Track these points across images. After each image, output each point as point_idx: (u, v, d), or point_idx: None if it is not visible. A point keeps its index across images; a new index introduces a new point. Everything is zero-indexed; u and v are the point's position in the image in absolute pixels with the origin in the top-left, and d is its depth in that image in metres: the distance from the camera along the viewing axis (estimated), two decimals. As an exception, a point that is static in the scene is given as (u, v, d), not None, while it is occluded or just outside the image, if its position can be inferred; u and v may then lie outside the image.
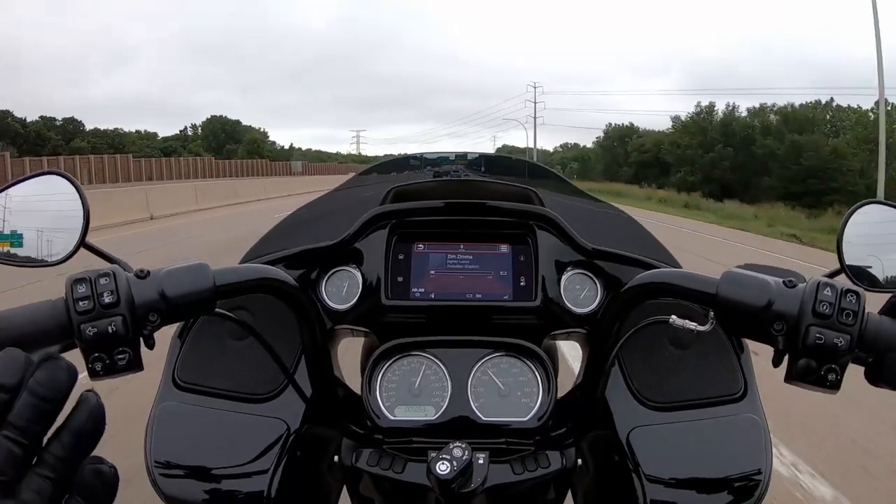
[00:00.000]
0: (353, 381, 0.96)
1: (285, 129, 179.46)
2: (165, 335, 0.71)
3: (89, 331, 0.60)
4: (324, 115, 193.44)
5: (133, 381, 0.72)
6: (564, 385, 0.87)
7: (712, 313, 0.66)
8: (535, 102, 70.70)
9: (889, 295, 0.64)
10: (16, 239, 0.71)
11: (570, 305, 0.88)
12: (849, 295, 0.60)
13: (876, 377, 0.62)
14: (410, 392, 0.80)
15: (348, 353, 1.01)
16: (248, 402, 0.81)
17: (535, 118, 71.70)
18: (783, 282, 0.63)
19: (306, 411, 0.81)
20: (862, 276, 0.68)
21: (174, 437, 0.77)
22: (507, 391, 0.80)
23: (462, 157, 1.38)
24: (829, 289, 0.60)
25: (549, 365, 0.81)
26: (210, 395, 0.81)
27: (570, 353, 0.99)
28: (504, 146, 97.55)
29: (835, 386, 0.61)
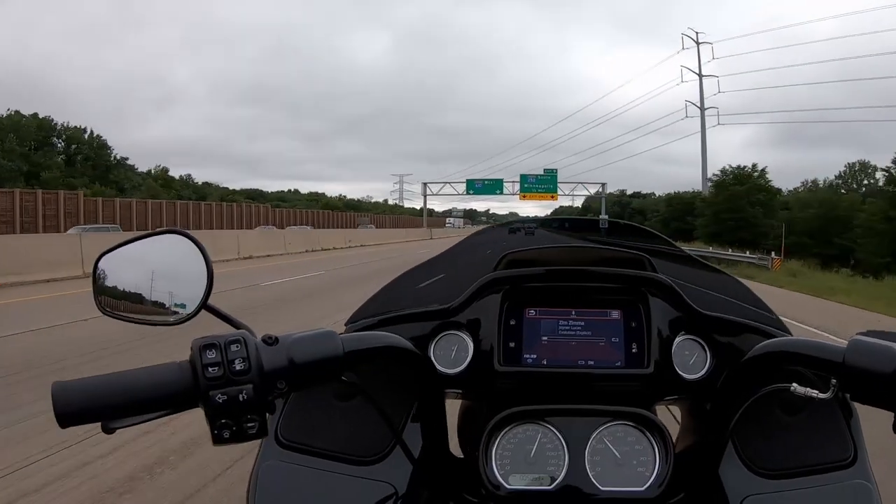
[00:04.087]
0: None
1: (348, 181, 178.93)
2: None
3: (219, 398, 0.60)
4: (383, 167, 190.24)
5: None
6: None
7: (835, 381, 0.66)
8: (700, 74, 40.93)
9: None
10: (182, 307, 0.72)
11: (680, 372, 0.88)
12: None
13: None
14: (526, 460, 0.78)
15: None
16: (353, 463, 0.80)
17: (701, 101, 41.23)
18: None
19: (413, 474, 0.79)
20: None
21: (278, 498, 0.76)
22: (623, 460, 0.79)
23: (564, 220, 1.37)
24: None
25: (667, 434, 0.79)
26: (314, 454, 0.80)
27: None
28: (621, 190, 79.46)
29: None
